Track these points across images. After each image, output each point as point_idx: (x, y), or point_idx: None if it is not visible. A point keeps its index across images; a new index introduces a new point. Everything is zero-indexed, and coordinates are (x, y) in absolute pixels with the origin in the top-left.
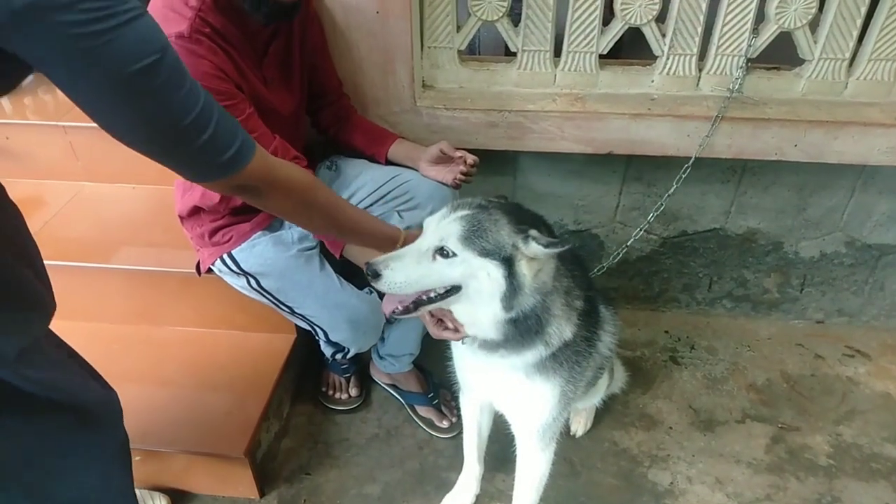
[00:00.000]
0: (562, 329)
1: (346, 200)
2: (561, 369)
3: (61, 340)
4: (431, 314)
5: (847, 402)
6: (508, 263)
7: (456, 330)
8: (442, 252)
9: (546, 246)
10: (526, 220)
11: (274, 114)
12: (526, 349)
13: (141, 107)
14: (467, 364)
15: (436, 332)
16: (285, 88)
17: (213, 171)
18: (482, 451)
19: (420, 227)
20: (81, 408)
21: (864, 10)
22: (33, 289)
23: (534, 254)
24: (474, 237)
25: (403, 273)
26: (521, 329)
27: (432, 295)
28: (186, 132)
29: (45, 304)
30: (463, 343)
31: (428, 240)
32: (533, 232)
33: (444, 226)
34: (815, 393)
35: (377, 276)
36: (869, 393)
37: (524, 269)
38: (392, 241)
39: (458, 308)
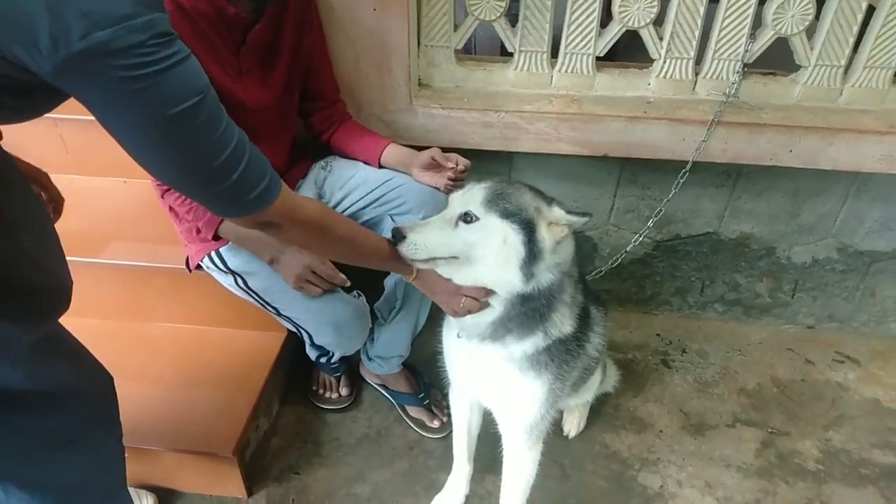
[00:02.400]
0: (563, 320)
1: (363, 228)
2: (552, 365)
3: (62, 327)
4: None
5: (836, 408)
6: (529, 229)
7: (476, 299)
8: (465, 218)
9: (569, 212)
10: (544, 195)
11: (238, 107)
12: (527, 336)
13: (178, 146)
14: (459, 358)
15: (455, 311)
16: (260, 81)
17: (240, 208)
18: (472, 451)
19: None
20: (80, 395)
21: (860, 17)
22: (56, 281)
23: (556, 218)
24: (497, 199)
25: (426, 237)
26: (529, 309)
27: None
28: (219, 171)
29: (65, 296)
30: (459, 336)
31: (452, 208)
32: (557, 201)
33: (468, 195)
34: (805, 398)
35: (402, 237)
36: (858, 399)
37: (544, 232)
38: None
39: (479, 275)
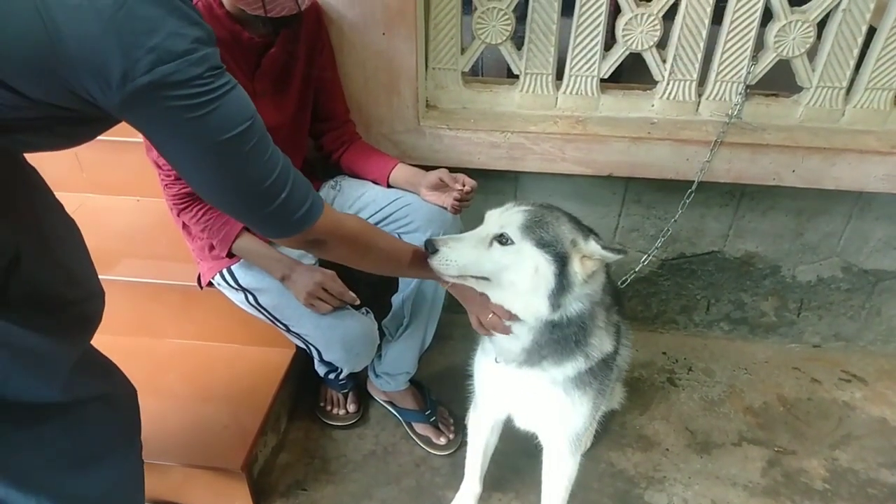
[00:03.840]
0: (603, 342)
1: (400, 240)
2: (595, 382)
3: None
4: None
5: (843, 427)
6: (562, 262)
7: (500, 318)
8: (500, 239)
9: (604, 248)
10: (583, 226)
11: None
12: (567, 361)
13: (229, 170)
14: (495, 382)
15: (480, 326)
16: (274, 103)
17: (287, 228)
18: (484, 471)
19: None
20: (111, 406)
21: (860, 40)
22: (90, 295)
23: (591, 252)
24: (535, 227)
25: (459, 253)
26: (560, 336)
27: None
28: (267, 192)
29: (99, 309)
30: (497, 361)
31: (488, 227)
32: (595, 235)
33: (506, 216)
34: (812, 417)
35: (435, 251)
36: (865, 418)
37: (577, 267)
38: None
39: (506, 299)
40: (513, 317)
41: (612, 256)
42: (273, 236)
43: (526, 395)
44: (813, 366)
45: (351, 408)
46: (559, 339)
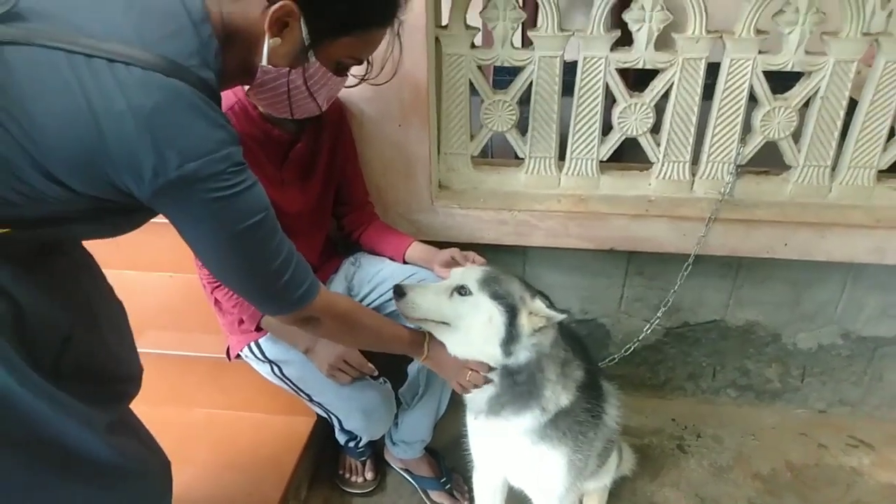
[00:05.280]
0: (558, 395)
1: (385, 317)
2: (565, 438)
3: (130, 409)
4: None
5: (851, 494)
6: (512, 313)
7: (478, 372)
8: (461, 290)
9: (549, 307)
10: (534, 289)
11: (280, 212)
12: (524, 410)
13: (242, 254)
14: (477, 438)
15: (461, 385)
16: (300, 190)
17: (287, 305)
18: None
19: None
20: (147, 472)
21: (839, 123)
22: (130, 372)
23: (537, 310)
24: (491, 282)
25: (423, 298)
26: (513, 383)
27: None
28: (273, 274)
29: (136, 383)
30: (476, 419)
31: (451, 280)
32: (540, 296)
33: (468, 272)
34: (820, 483)
35: (403, 294)
36: (873, 484)
37: (524, 319)
38: (422, 340)
39: (463, 345)
40: (490, 368)
41: (555, 315)
42: (274, 313)
43: (497, 446)
44: (819, 431)
45: (369, 475)
46: (513, 385)
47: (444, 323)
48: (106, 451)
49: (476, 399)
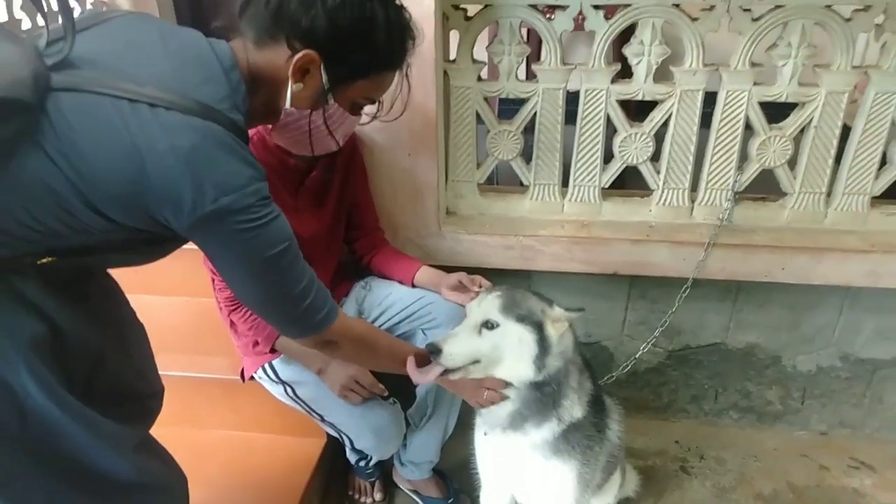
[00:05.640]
0: (573, 406)
1: (399, 341)
2: (574, 452)
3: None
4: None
5: None
6: (539, 328)
7: (495, 391)
8: (487, 325)
9: (567, 310)
10: (544, 298)
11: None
12: (544, 422)
13: (268, 280)
14: (488, 455)
15: (478, 402)
16: (313, 216)
17: (307, 329)
18: None
19: None
20: (168, 491)
21: (832, 151)
22: (153, 389)
23: (558, 316)
24: (512, 307)
25: (458, 347)
26: (541, 395)
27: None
28: (296, 299)
29: (159, 401)
30: (486, 434)
31: (473, 317)
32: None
33: (485, 304)
34: (821, 503)
35: (439, 351)
36: None
37: (550, 329)
38: None
39: (498, 372)
40: (507, 384)
41: (574, 315)
42: (295, 336)
43: (512, 463)
44: (821, 453)
45: (378, 496)
46: (539, 398)
47: (476, 361)
48: (130, 470)
49: (497, 414)
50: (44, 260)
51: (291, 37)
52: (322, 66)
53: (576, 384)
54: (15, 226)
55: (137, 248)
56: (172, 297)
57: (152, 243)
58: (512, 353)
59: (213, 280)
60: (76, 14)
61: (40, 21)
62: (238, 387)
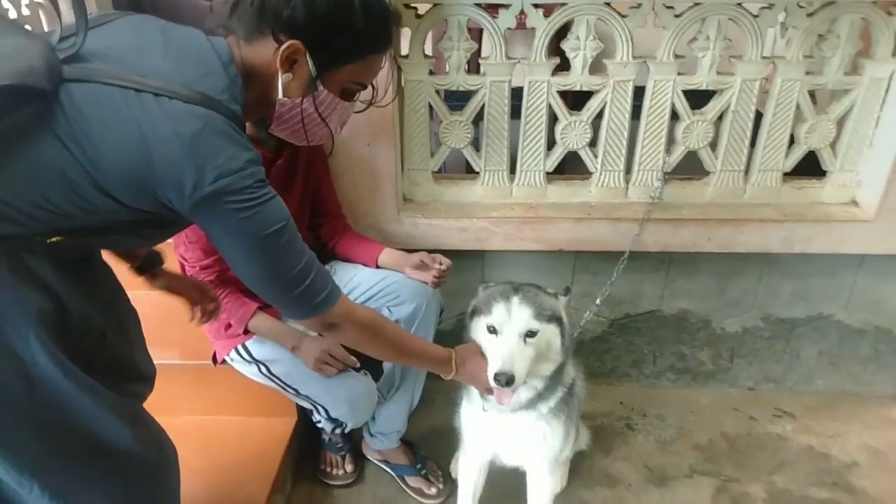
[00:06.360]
0: (570, 371)
1: (409, 333)
2: (566, 408)
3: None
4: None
5: (778, 456)
6: (560, 321)
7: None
8: (529, 334)
9: (565, 294)
10: (541, 287)
11: None
12: (552, 396)
13: (268, 258)
14: (484, 428)
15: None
16: None
17: (308, 309)
18: None
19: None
20: (166, 461)
21: (748, 133)
22: (148, 373)
23: (565, 301)
24: (540, 311)
25: (521, 364)
26: (557, 374)
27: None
28: (295, 278)
29: (153, 381)
30: (485, 410)
31: (513, 330)
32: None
33: (516, 313)
34: (751, 449)
35: (512, 379)
36: (796, 447)
37: (564, 314)
38: (447, 359)
39: (540, 366)
40: None
41: (568, 297)
42: (297, 317)
43: (514, 432)
44: (749, 406)
45: (349, 468)
46: (556, 377)
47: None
48: (131, 439)
49: (517, 400)
50: (53, 239)
51: (276, 29)
52: (308, 55)
53: (571, 354)
54: (28, 206)
55: (143, 230)
56: (136, 291)
57: (157, 226)
58: (551, 349)
59: (186, 266)
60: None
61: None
62: (206, 372)
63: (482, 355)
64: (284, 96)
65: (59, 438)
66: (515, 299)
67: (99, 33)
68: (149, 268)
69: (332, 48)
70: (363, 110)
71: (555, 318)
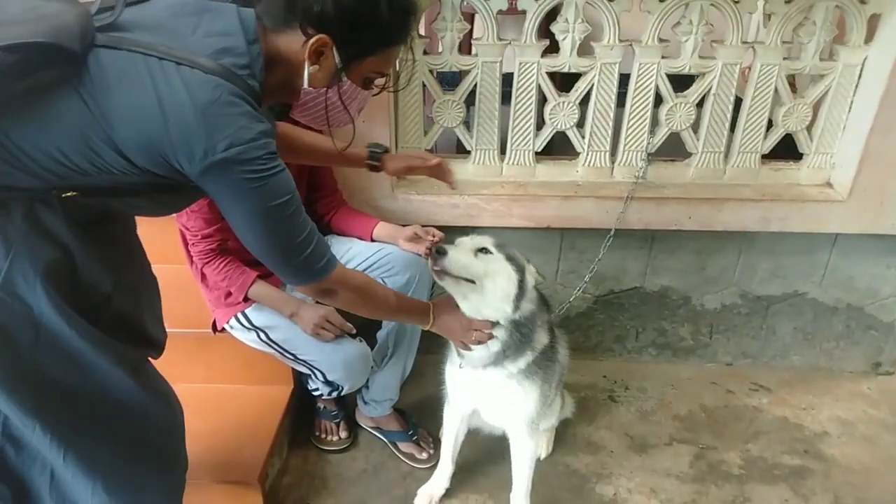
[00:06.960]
0: (541, 336)
1: (395, 291)
2: (539, 371)
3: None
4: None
5: (753, 426)
6: (522, 273)
7: (482, 331)
8: (483, 250)
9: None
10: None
11: None
12: (520, 356)
13: (274, 227)
14: (461, 385)
15: (466, 344)
16: None
17: (308, 276)
18: (455, 453)
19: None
20: (172, 414)
21: (729, 116)
22: (156, 338)
23: (533, 270)
24: (503, 246)
25: (459, 256)
26: (520, 336)
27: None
28: (298, 246)
29: (163, 344)
30: (461, 367)
31: (469, 244)
32: None
33: (478, 239)
34: (728, 419)
35: (445, 253)
36: (770, 418)
37: (529, 277)
38: (426, 311)
39: (483, 303)
40: (493, 325)
41: (541, 277)
42: (298, 283)
43: (486, 390)
44: (727, 380)
45: (343, 434)
46: (519, 339)
47: (470, 282)
48: (135, 389)
49: (482, 354)
50: (67, 194)
51: (304, 23)
52: (334, 48)
53: (541, 322)
54: (46, 160)
55: (156, 194)
56: None
57: (169, 191)
58: (499, 288)
59: (188, 234)
60: None
61: None
62: (206, 341)
63: (458, 308)
64: (309, 86)
65: (62, 385)
66: (481, 234)
67: (136, 9)
68: (377, 158)
69: (358, 41)
70: (377, 94)
71: (516, 264)
